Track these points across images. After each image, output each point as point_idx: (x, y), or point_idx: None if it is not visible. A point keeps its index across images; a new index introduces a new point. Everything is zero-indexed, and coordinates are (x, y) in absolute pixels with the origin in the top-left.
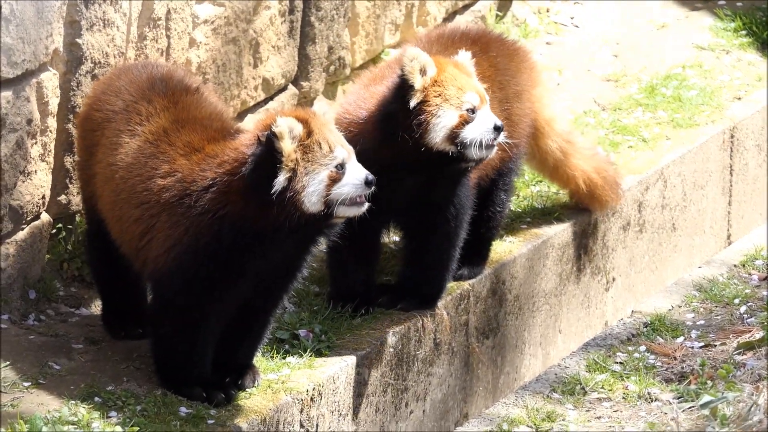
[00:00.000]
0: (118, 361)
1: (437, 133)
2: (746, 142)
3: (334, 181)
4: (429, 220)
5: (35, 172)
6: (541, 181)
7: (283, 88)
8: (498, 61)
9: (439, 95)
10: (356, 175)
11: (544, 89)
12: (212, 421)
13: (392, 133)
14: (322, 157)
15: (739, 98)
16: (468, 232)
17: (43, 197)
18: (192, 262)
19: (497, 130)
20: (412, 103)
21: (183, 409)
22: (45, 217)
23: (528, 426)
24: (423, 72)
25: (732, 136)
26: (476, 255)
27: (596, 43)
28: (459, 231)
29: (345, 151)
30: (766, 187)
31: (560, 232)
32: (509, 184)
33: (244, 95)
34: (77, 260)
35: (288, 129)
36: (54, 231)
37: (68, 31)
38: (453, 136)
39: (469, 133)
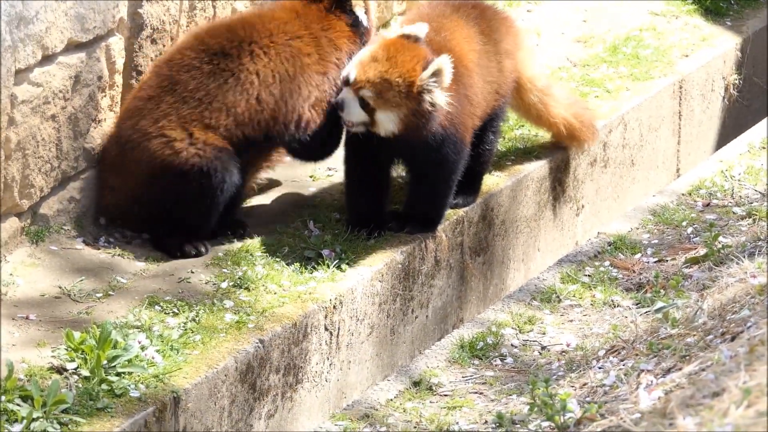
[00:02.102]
0: (173, 276)
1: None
2: (692, 92)
3: None
4: (424, 159)
5: (105, 120)
6: (522, 126)
7: None
8: (492, 24)
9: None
10: None
11: (526, 51)
12: (252, 325)
13: None
14: None
15: (687, 56)
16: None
17: None
18: None
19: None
20: None
21: (228, 316)
22: None
23: (512, 328)
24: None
25: (681, 87)
26: (470, 187)
27: (568, 11)
28: (454, 167)
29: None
30: (710, 129)
31: (538, 167)
32: (497, 128)
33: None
34: None
35: None
36: None
37: (131, 2)
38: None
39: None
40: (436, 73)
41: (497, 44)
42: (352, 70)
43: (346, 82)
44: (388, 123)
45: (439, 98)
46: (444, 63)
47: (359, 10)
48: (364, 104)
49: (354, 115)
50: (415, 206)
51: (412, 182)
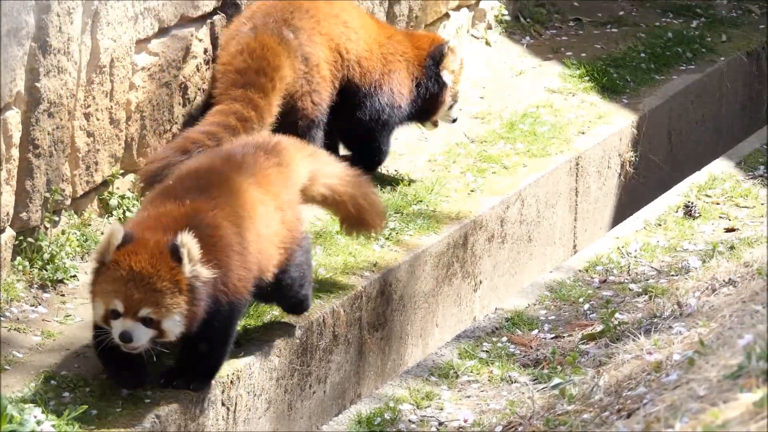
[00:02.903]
0: (70, 351)
1: None
2: (589, 169)
3: None
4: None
5: (1, 194)
6: (420, 201)
7: None
8: (263, 163)
9: None
10: None
11: (299, 163)
12: (149, 401)
13: None
14: None
15: (583, 132)
16: None
17: (8, 214)
18: None
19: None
20: None
21: (124, 391)
22: (9, 231)
23: (410, 403)
24: None
25: (577, 164)
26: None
27: (466, 86)
28: (233, 322)
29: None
30: (606, 206)
31: (436, 242)
32: (299, 261)
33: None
34: (35, 267)
35: None
36: (17, 242)
37: (29, 77)
38: None
39: None
40: (190, 256)
41: (271, 186)
42: (116, 303)
43: (116, 315)
44: (175, 327)
45: (204, 273)
46: (187, 241)
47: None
48: (147, 322)
49: (143, 338)
50: (195, 362)
51: (188, 346)
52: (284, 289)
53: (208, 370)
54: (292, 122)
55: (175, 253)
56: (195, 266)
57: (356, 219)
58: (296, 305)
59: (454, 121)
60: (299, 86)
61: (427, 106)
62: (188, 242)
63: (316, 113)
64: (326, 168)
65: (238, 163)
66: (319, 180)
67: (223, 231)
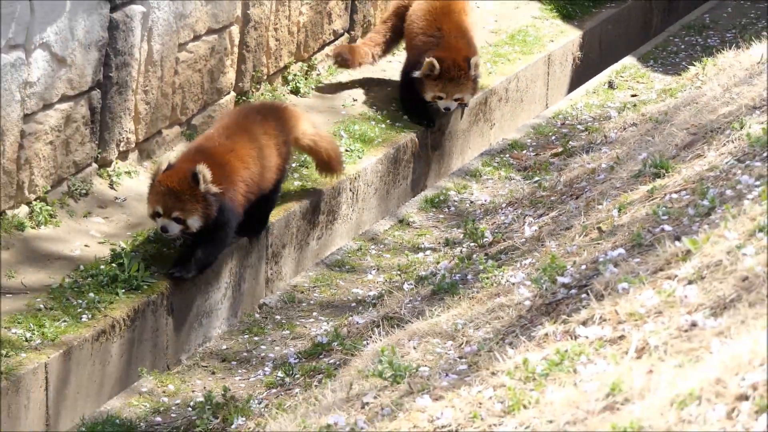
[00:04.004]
0: None
1: None
2: (555, 61)
3: None
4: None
5: (227, 73)
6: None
7: None
8: (269, 118)
9: None
10: None
11: (297, 119)
12: (310, 188)
13: None
14: None
15: (552, 41)
16: None
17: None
18: None
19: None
20: None
21: (296, 182)
22: None
23: (454, 191)
24: None
25: (549, 58)
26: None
27: (485, 14)
28: (230, 227)
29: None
30: (564, 83)
31: (473, 101)
32: (277, 188)
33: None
34: None
35: None
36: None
37: (243, 4)
38: None
39: None
40: (204, 179)
41: (272, 133)
42: (158, 207)
43: (158, 215)
44: (195, 222)
45: (213, 189)
46: (202, 169)
47: None
48: (177, 220)
49: (175, 230)
50: (199, 255)
51: (193, 243)
52: (261, 207)
53: (202, 264)
54: None
55: (195, 177)
56: (207, 185)
57: (326, 164)
58: (258, 226)
59: (447, 109)
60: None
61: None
62: (203, 170)
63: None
64: (311, 128)
65: (256, 118)
66: (306, 136)
67: (232, 163)
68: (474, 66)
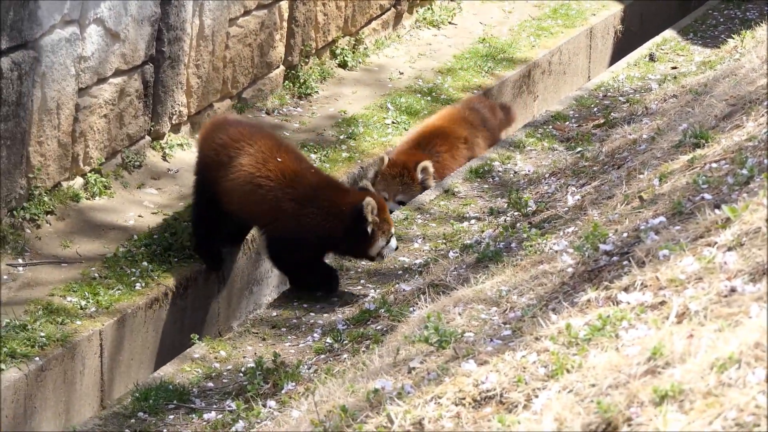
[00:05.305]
0: (315, 133)
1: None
2: (597, 35)
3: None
4: None
5: (277, 46)
6: (504, 51)
7: None
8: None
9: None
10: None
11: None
12: (357, 159)
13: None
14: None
15: (594, 15)
16: None
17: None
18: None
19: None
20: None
21: (344, 154)
22: (282, 67)
23: (498, 161)
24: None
25: (591, 32)
26: None
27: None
28: None
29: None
30: (606, 55)
31: (513, 74)
32: None
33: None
34: (296, 86)
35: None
36: (285, 73)
37: (157, 46)
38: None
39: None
40: (425, 171)
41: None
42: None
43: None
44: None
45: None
46: (427, 164)
47: None
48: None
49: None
50: None
51: None
52: None
53: None
54: None
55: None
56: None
57: None
58: None
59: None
60: None
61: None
62: (429, 167)
63: None
64: None
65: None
66: None
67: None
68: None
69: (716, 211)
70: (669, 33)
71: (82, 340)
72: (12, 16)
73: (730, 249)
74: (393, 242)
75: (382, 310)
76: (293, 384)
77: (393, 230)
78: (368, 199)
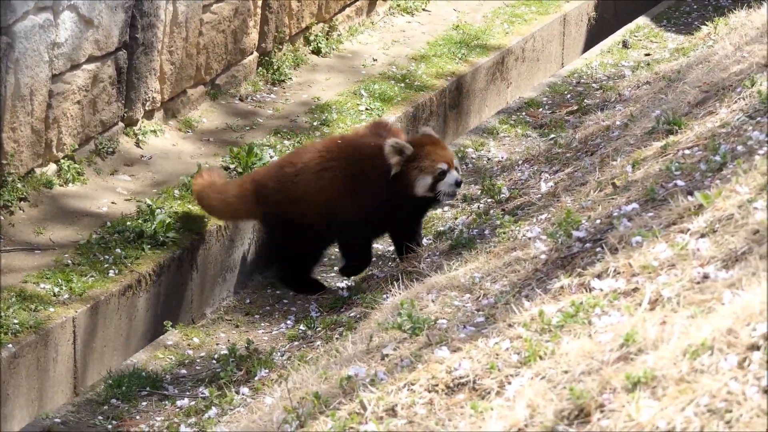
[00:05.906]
0: (288, 119)
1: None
2: (571, 22)
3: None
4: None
5: (251, 34)
6: (478, 38)
7: None
8: None
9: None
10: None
11: None
12: None
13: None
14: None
15: (568, 1)
16: None
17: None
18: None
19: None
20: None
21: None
22: (255, 53)
23: (472, 148)
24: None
25: (564, 19)
26: None
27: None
28: None
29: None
30: (579, 42)
31: (487, 61)
32: None
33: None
34: (269, 72)
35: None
36: (259, 59)
37: (130, 32)
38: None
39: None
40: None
41: None
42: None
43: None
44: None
45: None
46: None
47: None
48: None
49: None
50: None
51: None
52: None
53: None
54: None
55: None
56: None
57: None
58: None
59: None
60: None
61: None
62: None
63: None
64: None
65: None
66: None
67: None
68: None
69: (689, 197)
70: (642, 20)
71: (56, 327)
72: None
73: (702, 236)
74: (450, 177)
75: (356, 297)
76: (266, 371)
77: (441, 165)
78: (386, 142)
